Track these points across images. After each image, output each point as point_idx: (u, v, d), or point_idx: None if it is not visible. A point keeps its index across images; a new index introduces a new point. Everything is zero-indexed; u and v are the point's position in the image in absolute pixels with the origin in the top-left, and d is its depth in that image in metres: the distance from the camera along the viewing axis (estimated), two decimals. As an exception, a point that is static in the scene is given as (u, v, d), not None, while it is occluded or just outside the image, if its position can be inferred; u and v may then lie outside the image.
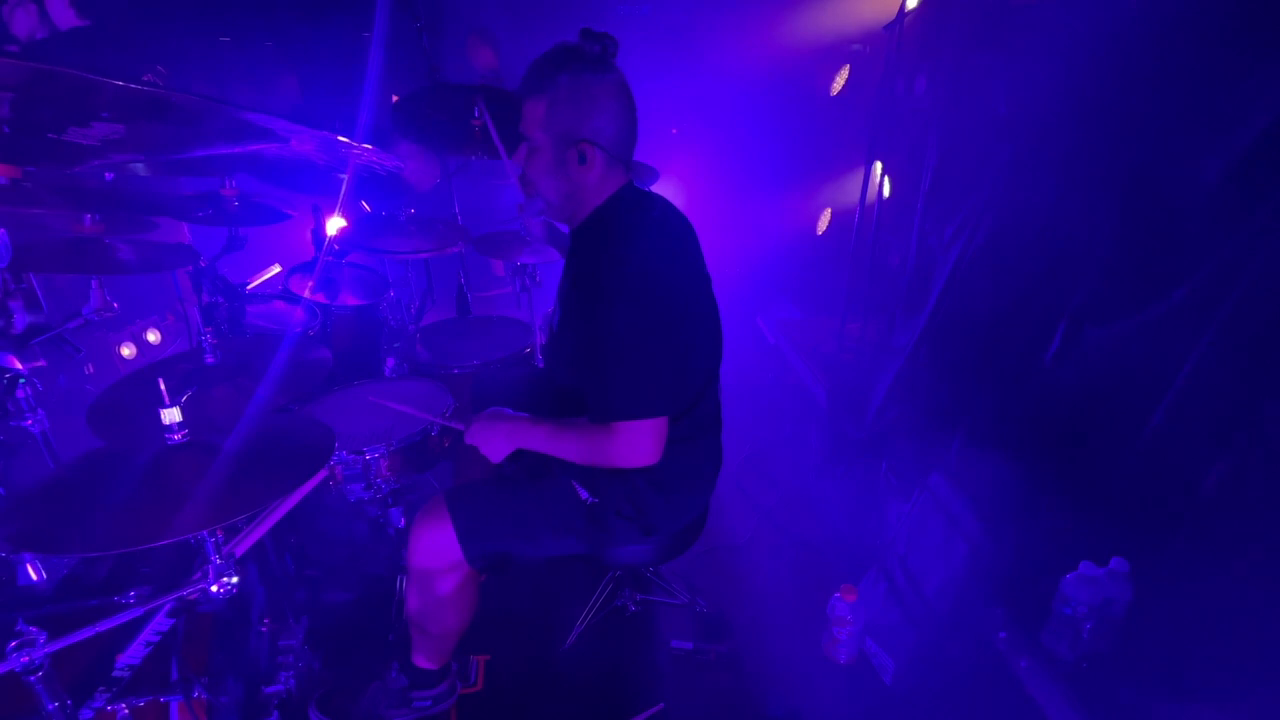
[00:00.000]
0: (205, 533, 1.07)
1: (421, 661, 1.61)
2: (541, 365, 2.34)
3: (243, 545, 1.24)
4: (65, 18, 2.66)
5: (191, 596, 1.10)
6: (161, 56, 2.91)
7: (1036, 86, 1.83)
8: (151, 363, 1.67)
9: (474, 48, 4.00)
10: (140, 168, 2.10)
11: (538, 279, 2.41)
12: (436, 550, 1.42)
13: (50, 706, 0.95)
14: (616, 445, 1.29)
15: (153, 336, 3.12)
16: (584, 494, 1.45)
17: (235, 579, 1.11)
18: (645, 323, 1.25)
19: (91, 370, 2.80)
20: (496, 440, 1.41)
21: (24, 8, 2.55)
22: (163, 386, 1.11)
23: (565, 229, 1.49)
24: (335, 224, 2.21)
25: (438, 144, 2.45)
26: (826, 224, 3.48)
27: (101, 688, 1.10)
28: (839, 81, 3.18)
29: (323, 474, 1.65)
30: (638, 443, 1.28)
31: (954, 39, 2.15)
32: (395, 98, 3.26)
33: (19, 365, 1.45)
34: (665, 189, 1.75)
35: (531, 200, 1.38)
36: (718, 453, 1.57)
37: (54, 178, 1.89)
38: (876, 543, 2.15)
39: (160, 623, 1.20)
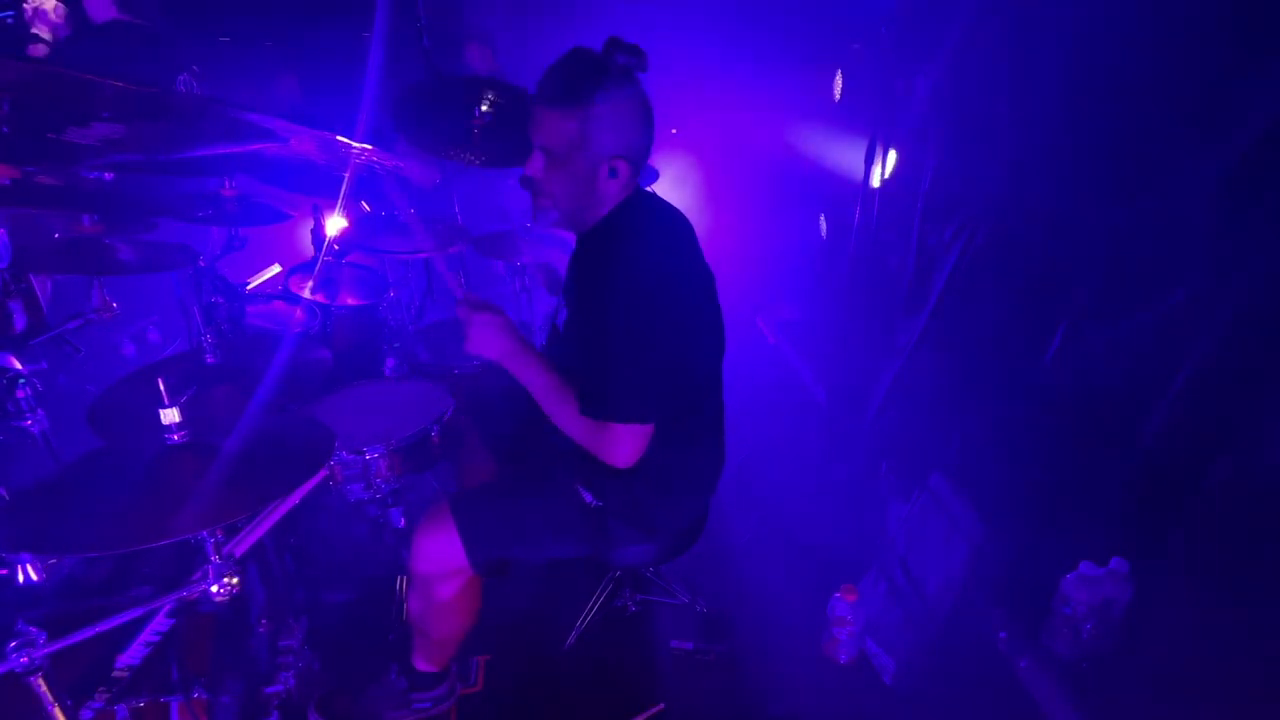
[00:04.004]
0: (205, 533, 1.07)
1: (422, 664, 1.61)
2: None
3: (242, 545, 1.24)
4: (102, 10, 2.64)
5: (191, 596, 1.10)
6: (197, 57, 2.89)
7: (1036, 86, 1.83)
8: (151, 363, 1.67)
9: (473, 51, 4.00)
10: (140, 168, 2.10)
11: (538, 279, 2.41)
12: (440, 556, 1.42)
13: (50, 706, 0.95)
14: (597, 439, 1.30)
15: (153, 337, 3.12)
16: (588, 497, 1.45)
17: (235, 579, 1.11)
18: (647, 329, 1.24)
19: (91, 370, 2.79)
20: (490, 341, 1.38)
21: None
22: (162, 386, 1.11)
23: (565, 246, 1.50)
24: (335, 224, 2.20)
25: (434, 143, 2.44)
26: (825, 225, 3.48)
27: (101, 688, 1.10)
28: (837, 85, 3.18)
29: (322, 474, 1.65)
30: (618, 444, 1.29)
31: (953, 38, 2.15)
32: None
33: (19, 365, 1.45)
34: (665, 189, 1.75)
35: (541, 210, 1.36)
36: (720, 454, 1.57)
37: (54, 178, 1.89)
38: (876, 543, 2.15)
39: (160, 623, 1.20)
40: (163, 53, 2.81)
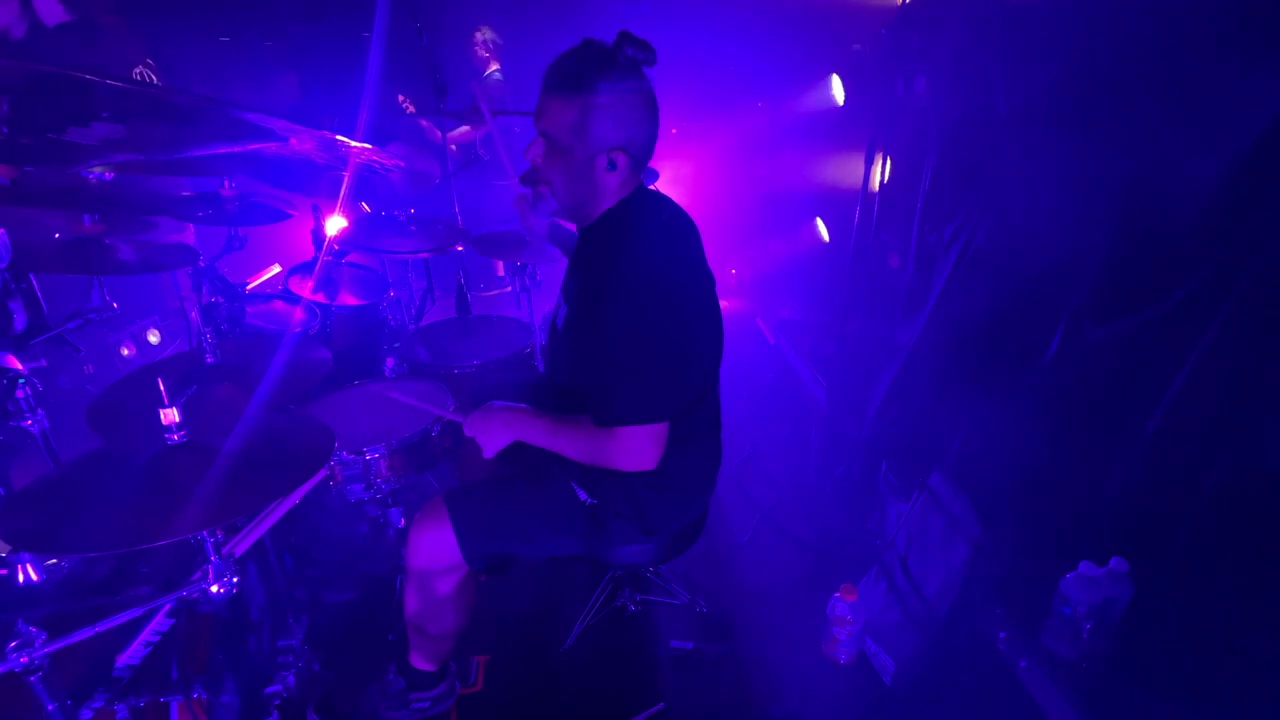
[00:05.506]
0: (205, 533, 1.07)
1: (420, 663, 1.61)
2: (542, 368, 2.34)
3: (242, 545, 1.24)
4: (52, 13, 2.61)
5: (191, 596, 1.10)
6: (152, 50, 2.87)
7: (1036, 86, 1.83)
8: (151, 363, 1.67)
9: (475, 48, 4.00)
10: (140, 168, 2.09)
11: (538, 279, 2.41)
12: (436, 551, 1.42)
13: (50, 706, 0.95)
14: (617, 448, 1.29)
15: (153, 337, 3.12)
16: (584, 495, 1.45)
17: (235, 579, 1.11)
18: (652, 328, 1.24)
19: (91, 370, 2.80)
20: (494, 431, 1.39)
21: (5, 4, 2.48)
22: (162, 386, 1.11)
23: (572, 228, 1.47)
24: (335, 224, 2.21)
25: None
26: (825, 225, 3.48)
27: (101, 688, 1.10)
28: (837, 88, 3.18)
29: (322, 474, 1.65)
30: (638, 448, 1.28)
31: (953, 38, 2.15)
32: (403, 98, 3.25)
33: (19, 365, 1.45)
34: (664, 189, 1.75)
35: (541, 200, 1.36)
36: (718, 454, 1.57)
37: (54, 178, 1.89)
38: (876, 543, 2.15)
39: (160, 623, 1.20)
40: (123, 51, 2.78)
